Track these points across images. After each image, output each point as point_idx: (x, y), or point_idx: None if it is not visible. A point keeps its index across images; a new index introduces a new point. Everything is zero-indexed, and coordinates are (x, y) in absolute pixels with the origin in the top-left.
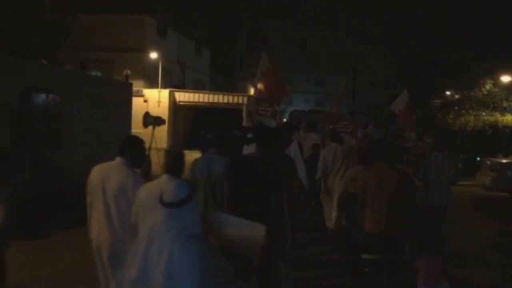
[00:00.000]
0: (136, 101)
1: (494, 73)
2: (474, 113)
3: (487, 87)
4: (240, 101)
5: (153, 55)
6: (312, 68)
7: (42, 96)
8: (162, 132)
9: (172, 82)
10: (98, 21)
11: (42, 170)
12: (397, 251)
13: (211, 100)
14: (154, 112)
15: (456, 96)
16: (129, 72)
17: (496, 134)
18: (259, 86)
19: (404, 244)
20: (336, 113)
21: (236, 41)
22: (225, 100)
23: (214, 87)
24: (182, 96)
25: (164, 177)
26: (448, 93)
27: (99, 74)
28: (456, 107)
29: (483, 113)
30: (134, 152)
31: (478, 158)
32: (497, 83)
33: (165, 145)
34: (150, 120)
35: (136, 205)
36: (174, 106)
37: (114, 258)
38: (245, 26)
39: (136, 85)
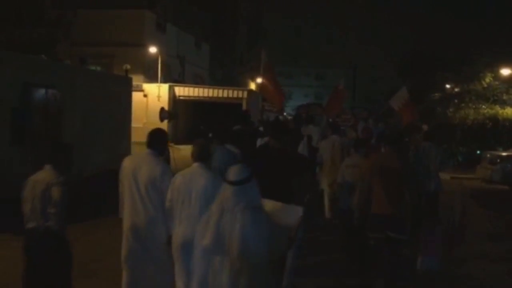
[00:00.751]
0: (136, 96)
1: (494, 66)
2: (474, 107)
3: (487, 80)
4: (240, 96)
5: (153, 49)
6: (312, 62)
7: (42, 91)
8: (162, 127)
9: (172, 77)
10: (97, 16)
11: (42, 166)
12: (399, 231)
13: (210, 95)
14: (154, 106)
15: (456, 90)
16: (128, 67)
17: (496, 127)
18: (263, 82)
19: (406, 224)
20: (339, 109)
21: (235, 36)
22: (225, 95)
23: (214, 82)
24: (182, 91)
25: (195, 165)
26: (448, 86)
27: (98, 69)
28: (456, 101)
29: (483, 106)
30: (160, 144)
31: (478, 152)
32: (497, 76)
33: None
34: (165, 115)
35: (171, 191)
36: (174, 100)
37: (149, 238)
38: (244, 20)
39: (136, 79)
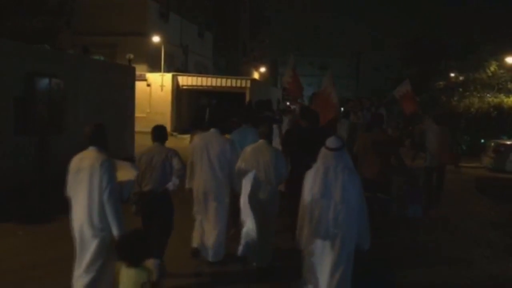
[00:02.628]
0: (139, 85)
1: (499, 55)
2: (478, 95)
3: (492, 68)
4: (243, 85)
5: (156, 39)
6: (316, 51)
7: (45, 81)
8: (165, 115)
9: (175, 66)
10: (100, 5)
11: (46, 154)
12: (385, 192)
13: (214, 84)
14: (157, 96)
15: (461, 78)
16: (131, 56)
17: (500, 116)
18: (287, 79)
19: (390, 187)
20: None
21: (239, 25)
22: (228, 84)
23: (217, 71)
24: (185, 80)
25: (262, 141)
26: (452, 75)
27: (101, 58)
28: (461, 89)
29: (488, 95)
30: (223, 123)
31: (482, 140)
32: (502, 65)
33: (168, 129)
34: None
35: (242, 160)
36: (177, 90)
37: (216, 198)
38: (247, 9)
39: (139, 69)
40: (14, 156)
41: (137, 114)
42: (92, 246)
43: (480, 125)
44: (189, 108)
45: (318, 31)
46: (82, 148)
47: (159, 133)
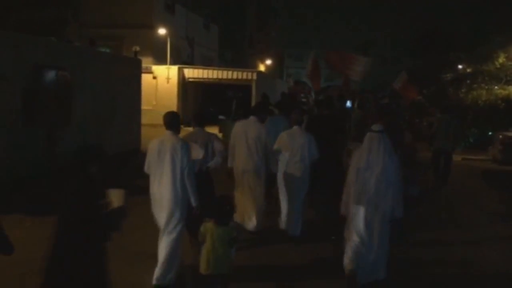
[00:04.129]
0: (145, 78)
1: (507, 46)
2: (486, 87)
3: (500, 60)
4: (249, 77)
5: (162, 31)
6: (322, 43)
7: (53, 73)
8: (171, 108)
9: (181, 59)
10: None
11: (53, 146)
12: None
13: (220, 76)
14: (163, 88)
15: (468, 70)
16: (138, 48)
17: (508, 108)
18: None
19: None
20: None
21: (245, 17)
22: (234, 76)
23: (223, 63)
24: (191, 73)
25: (296, 127)
26: (460, 67)
27: (108, 51)
28: (468, 81)
29: (496, 87)
30: (262, 112)
31: (490, 133)
32: (510, 57)
33: None
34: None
35: (279, 144)
36: (183, 82)
37: (254, 176)
38: (253, 1)
39: (145, 61)
40: (22, 147)
41: (143, 106)
42: (176, 212)
43: (487, 117)
44: (195, 100)
45: (324, 23)
46: (87, 139)
47: (200, 119)
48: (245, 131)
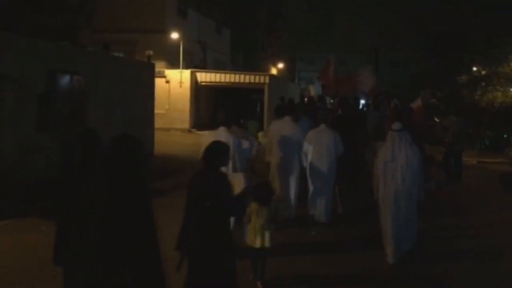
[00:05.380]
0: (158, 82)
1: None
2: (502, 89)
3: None
4: (262, 81)
5: (174, 35)
6: (333, 47)
7: (67, 77)
8: (184, 113)
9: (193, 63)
10: (119, 3)
11: (68, 151)
12: None
13: (232, 80)
14: (176, 92)
15: (483, 72)
16: (151, 52)
17: None
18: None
19: None
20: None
21: (256, 21)
22: (246, 80)
23: (235, 67)
24: (204, 77)
25: (323, 126)
26: (474, 69)
27: (121, 55)
28: (483, 83)
29: (511, 89)
30: (296, 113)
31: (505, 135)
32: None
33: (187, 126)
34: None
35: (309, 141)
36: (196, 86)
37: (288, 170)
38: (265, 5)
39: (158, 66)
40: (36, 152)
41: (156, 110)
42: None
43: (503, 119)
44: (208, 104)
45: (335, 26)
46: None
47: (237, 120)
48: (280, 129)
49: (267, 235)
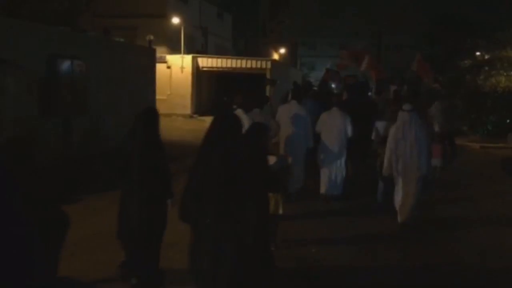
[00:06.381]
0: (159, 67)
1: None
2: (505, 74)
3: None
4: (264, 66)
5: (175, 20)
6: (335, 32)
7: (68, 62)
8: (185, 98)
9: (195, 48)
10: None
11: (69, 136)
12: None
13: (234, 65)
14: (177, 78)
15: (487, 57)
16: (151, 37)
17: None
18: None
19: None
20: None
21: (258, 6)
22: (248, 65)
23: (237, 52)
24: (205, 62)
25: (335, 109)
26: (478, 53)
27: (122, 40)
28: (487, 68)
29: None
30: (300, 97)
31: (508, 120)
32: None
33: (189, 111)
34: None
35: (321, 123)
36: (197, 72)
37: (296, 149)
38: None
39: (159, 51)
40: (38, 137)
41: (158, 96)
42: None
43: (506, 104)
44: (209, 89)
45: (338, 11)
46: (102, 130)
47: (259, 103)
48: (289, 111)
49: (279, 202)
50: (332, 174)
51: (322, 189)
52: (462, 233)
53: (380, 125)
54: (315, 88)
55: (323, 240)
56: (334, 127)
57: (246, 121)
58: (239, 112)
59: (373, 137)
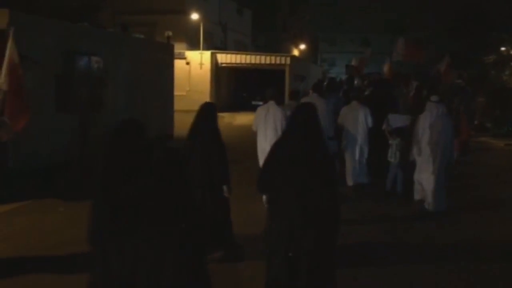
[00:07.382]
0: (178, 64)
1: None
2: None
3: None
4: (283, 62)
5: (194, 16)
6: (356, 27)
7: (85, 58)
8: (204, 94)
9: (214, 44)
10: None
11: (86, 132)
12: None
13: (253, 61)
14: (196, 74)
15: None
16: (170, 33)
17: None
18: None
19: None
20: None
21: (278, 1)
22: (267, 61)
23: (256, 48)
24: (224, 58)
25: (354, 103)
26: (503, 48)
27: (141, 37)
28: None
29: None
30: (320, 90)
31: None
32: None
33: None
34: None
35: (343, 116)
36: (216, 68)
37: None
38: None
39: (178, 47)
40: (55, 133)
41: (177, 92)
42: None
43: None
44: (228, 86)
45: (358, 6)
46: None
47: (294, 95)
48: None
49: None
50: (357, 164)
51: (349, 182)
52: (491, 216)
53: (391, 117)
54: (345, 87)
55: (350, 222)
56: (356, 119)
57: (279, 112)
58: (271, 104)
59: (383, 127)
